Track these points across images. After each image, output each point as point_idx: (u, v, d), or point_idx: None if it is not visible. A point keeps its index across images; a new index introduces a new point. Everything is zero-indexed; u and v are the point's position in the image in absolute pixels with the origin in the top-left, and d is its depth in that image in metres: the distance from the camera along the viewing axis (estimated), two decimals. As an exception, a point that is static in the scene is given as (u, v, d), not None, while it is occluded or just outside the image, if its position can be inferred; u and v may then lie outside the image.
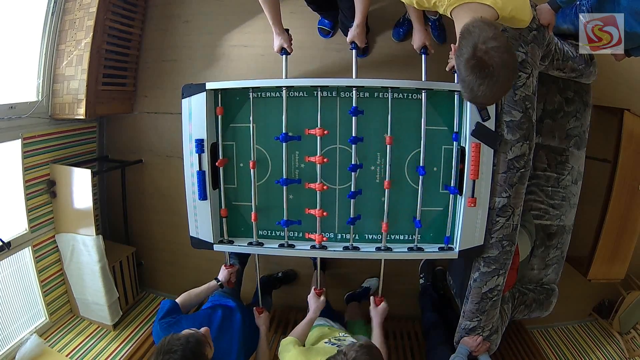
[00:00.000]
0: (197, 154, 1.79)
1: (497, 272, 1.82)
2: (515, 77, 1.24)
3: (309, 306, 1.86)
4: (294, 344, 1.54)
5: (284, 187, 1.81)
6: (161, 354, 1.29)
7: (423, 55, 1.81)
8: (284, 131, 1.77)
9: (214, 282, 1.95)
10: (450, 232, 1.84)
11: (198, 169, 1.81)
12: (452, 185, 1.80)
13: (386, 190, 1.77)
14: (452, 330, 2.00)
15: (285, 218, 1.84)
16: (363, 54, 2.44)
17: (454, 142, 1.77)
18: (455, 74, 1.76)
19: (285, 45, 1.84)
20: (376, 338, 1.72)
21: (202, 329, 1.42)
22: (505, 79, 1.14)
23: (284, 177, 1.80)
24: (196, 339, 1.33)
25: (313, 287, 1.93)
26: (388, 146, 1.74)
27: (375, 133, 1.79)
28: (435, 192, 1.84)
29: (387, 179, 1.76)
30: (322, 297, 1.85)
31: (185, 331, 1.37)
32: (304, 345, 1.61)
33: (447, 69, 1.83)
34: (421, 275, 2.61)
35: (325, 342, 1.57)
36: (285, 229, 1.87)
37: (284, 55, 1.86)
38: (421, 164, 1.76)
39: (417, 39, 1.79)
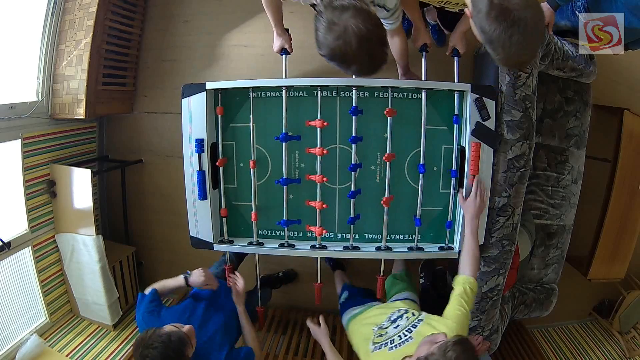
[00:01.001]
0: (197, 154, 1.79)
1: (497, 272, 1.82)
2: (542, 18, 1.13)
3: (317, 339, 1.73)
4: None
5: (284, 187, 1.81)
6: (141, 347, 1.26)
7: (423, 54, 1.81)
8: (283, 131, 1.77)
9: (182, 280, 1.77)
10: (450, 232, 1.84)
11: (198, 169, 1.81)
12: (451, 186, 1.80)
13: (387, 167, 1.76)
14: None
15: (285, 218, 1.85)
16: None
17: (455, 125, 1.76)
18: (452, 55, 1.78)
19: (286, 46, 1.84)
20: (468, 235, 1.58)
21: (186, 327, 1.38)
22: (533, 22, 1.03)
23: (284, 177, 1.80)
24: (179, 337, 1.30)
25: (308, 320, 1.80)
26: (387, 163, 1.73)
27: (375, 133, 1.79)
28: (435, 192, 1.84)
29: (386, 194, 1.76)
30: (322, 325, 1.69)
31: (168, 327, 1.34)
32: None
33: (447, 53, 1.83)
34: (421, 275, 2.61)
35: (375, 349, 1.39)
36: (285, 228, 1.87)
37: (284, 55, 1.86)
38: (421, 162, 1.76)
39: (418, 38, 1.79)
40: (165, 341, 1.26)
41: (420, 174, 1.76)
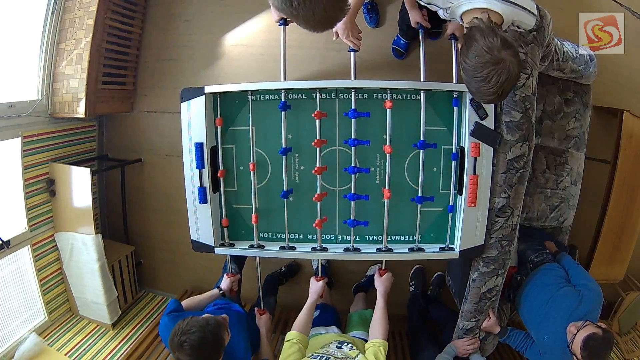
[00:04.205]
0: (197, 170, 1.80)
1: (496, 273, 1.82)
2: None
3: (310, 292, 1.86)
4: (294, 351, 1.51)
5: (284, 200, 1.82)
6: (178, 334, 1.28)
7: (421, 31, 1.82)
8: (283, 146, 1.77)
9: (216, 291, 1.94)
10: (450, 232, 1.84)
11: (199, 185, 1.81)
12: (451, 186, 1.80)
13: (387, 163, 1.76)
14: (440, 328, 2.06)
15: (286, 227, 1.85)
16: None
17: (453, 143, 1.76)
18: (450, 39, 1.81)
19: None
20: (378, 307, 1.72)
21: (221, 315, 1.42)
22: None
23: (284, 185, 1.81)
24: (216, 321, 1.33)
25: (314, 276, 1.91)
26: (387, 155, 1.74)
27: (374, 135, 1.79)
28: (435, 193, 1.84)
29: (386, 187, 1.76)
30: (321, 282, 1.85)
31: (205, 315, 1.37)
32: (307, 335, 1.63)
33: (446, 35, 1.84)
34: (411, 284, 2.62)
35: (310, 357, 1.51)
36: (286, 231, 1.87)
37: (282, 26, 1.80)
38: (422, 138, 1.74)
39: (412, 18, 1.83)
40: (203, 325, 1.29)
41: (421, 152, 1.75)
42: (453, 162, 1.78)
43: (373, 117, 1.75)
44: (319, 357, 1.47)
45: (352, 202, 1.79)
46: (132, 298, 2.81)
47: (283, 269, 2.68)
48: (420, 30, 1.83)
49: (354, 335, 1.85)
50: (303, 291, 2.04)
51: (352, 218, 1.81)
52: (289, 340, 1.56)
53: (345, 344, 1.61)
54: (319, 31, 1.13)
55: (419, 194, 1.78)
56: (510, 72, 1.16)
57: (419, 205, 1.79)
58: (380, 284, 1.83)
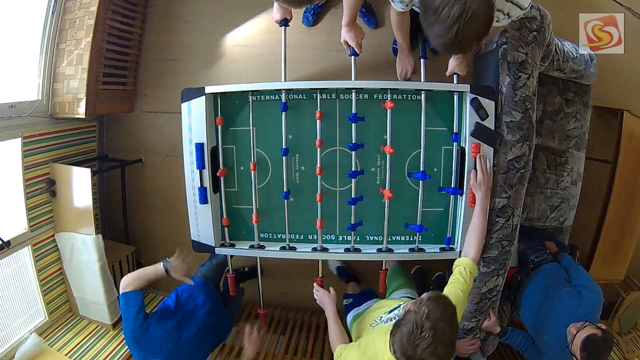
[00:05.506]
0: (197, 170, 1.80)
1: (496, 273, 1.82)
2: None
3: (323, 306, 1.73)
4: (346, 350, 1.42)
5: (285, 200, 1.82)
6: None
7: (422, 61, 1.80)
8: (284, 147, 1.78)
9: (162, 272, 1.70)
10: (451, 232, 1.84)
11: (199, 185, 1.82)
12: (452, 186, 1.79)
13: (388, 163, 1.76)
14: None
15: (286, 227, 1.85)
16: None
17: (454, 143, 1.77)
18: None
19: (288, 17, 1.81)
20: (477, 214, 1.55)
21: None
22: None
23: (284, 186, 1.81)
24: None
25: (316, 284, 1.82)
26: (388, 155, 1.74)
27: (374, 135, 1.79)
28: (435, 193, 1.84)
29: (387, 187, 1.76)
30: (332, 291, 1.73)
31: None
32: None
33: (446, 74, 1.82)
34: None
35: (372, 325, 1.46)
36: (287, 232, 1.87)
37: (283, 27, 1.83)
38: (421, 169, 1.75)
39: (400, 65, 1.80)
40: None
41: (420, 181, 1.76)
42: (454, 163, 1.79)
43: (374, 117, 1.75)
44: (379, 321, 1.40)
45: (353, 207, 1.79)
46: (132, 298, 2.80)
47: (246, 269, 2.57)
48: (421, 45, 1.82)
49: (396, 297, 1.77)
50: (299, 291, 2.03)
51: (352, 222, 1.81)
52: (340, 355, 1.43)
53: (394, 310, 1.50)
54: (297, 7, 1.09)
55: (418, 223, 1.79)
56: (466, 6, 0.99)
57: (419, 206, 1.79)
58: (482, 183, 1.59)
